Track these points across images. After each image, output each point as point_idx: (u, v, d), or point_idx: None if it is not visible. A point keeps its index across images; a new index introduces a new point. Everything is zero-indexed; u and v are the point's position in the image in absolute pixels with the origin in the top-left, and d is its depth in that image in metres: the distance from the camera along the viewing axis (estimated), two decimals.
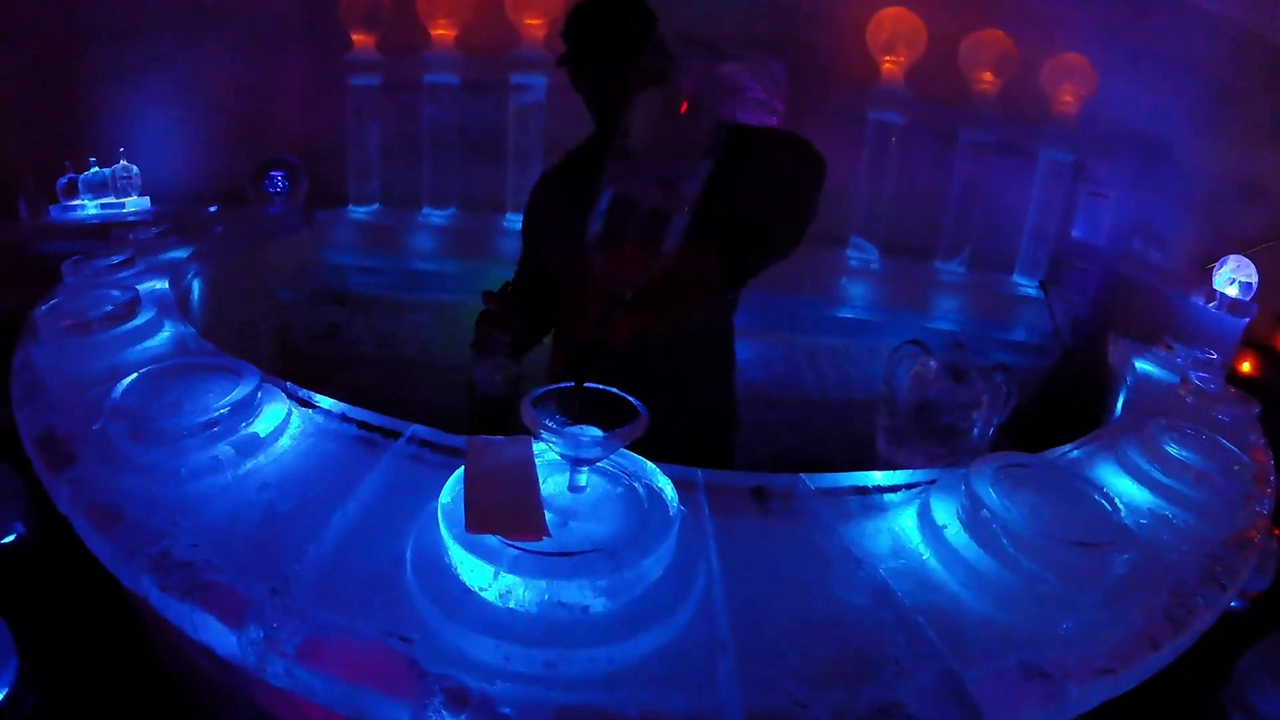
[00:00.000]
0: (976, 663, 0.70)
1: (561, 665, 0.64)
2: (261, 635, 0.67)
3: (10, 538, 1.38)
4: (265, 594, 0.70)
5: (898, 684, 0.67)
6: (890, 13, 3.24)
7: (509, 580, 0.67)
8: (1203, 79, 2.89)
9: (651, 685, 0.65)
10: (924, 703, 0.65)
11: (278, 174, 3.14)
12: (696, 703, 0.64)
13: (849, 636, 0.73)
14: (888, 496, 0.99)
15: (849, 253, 3.47)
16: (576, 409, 0.75)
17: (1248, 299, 2.68)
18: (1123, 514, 0.85)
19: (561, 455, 0.74)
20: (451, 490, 0.77)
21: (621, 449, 0.83)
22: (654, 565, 0.72)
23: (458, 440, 0.98)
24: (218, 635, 0.69)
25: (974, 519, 0.86)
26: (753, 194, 1.02)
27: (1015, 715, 0.65)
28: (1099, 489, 0.90)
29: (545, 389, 0.76)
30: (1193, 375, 1.50)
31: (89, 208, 2.81)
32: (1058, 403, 2.93)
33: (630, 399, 0.75)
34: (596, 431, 0.72)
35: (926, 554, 0.87)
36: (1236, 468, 1.06)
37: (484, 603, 0.68)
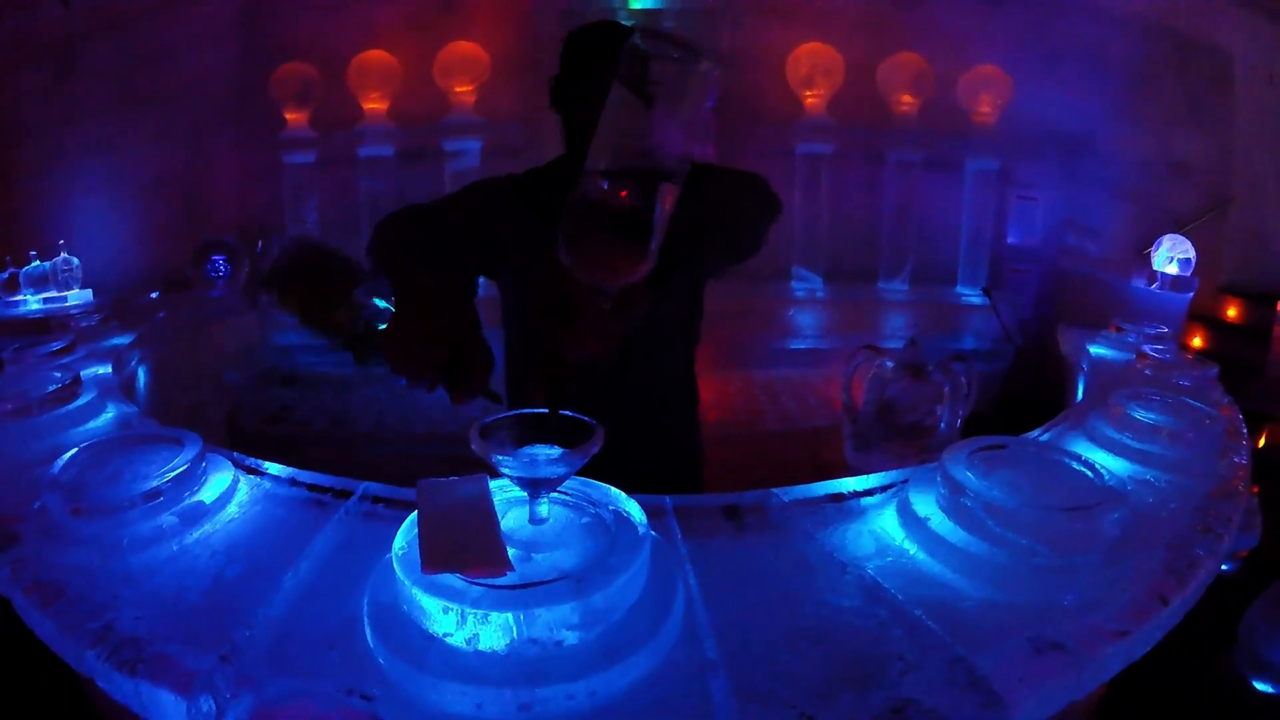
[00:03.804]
0: (984, 647, 0.66)
1: (538, 706, 0.59)
2: (212, 705, 0.61)
3: None
4: (215, 662, 0.64)
5: (907, 680, 0.63)
6: (807, 48, 3.36)
7: (474, 620, 0.61)
8: (1114, 70, 3.04)
9: (640, 717, 0.60)
10: (938, 695, 0.60)
11: (219, 257, 3.09)
12: None
13: (847, 639, 0.69)
14: (864, 500, 0.96)
15: (793, 284, 3.52)
16: (544, 432, 0.70)
17: (1188, 274, 2.76)
18: (1106, 477, 0.83)
19: (519, 481, 0.69)
20: (406, 536, 0.71)
21: (585, 480, 0.79)
22: (627, 588, 0.67)
23: (412, 494, 0.93)
24: (167, 709, 0.63)
25: (956, 505, 0.84)
26: (705, 228, 0.99)
27: (1034, 692, 0.61)
28: (1077, 458, 0.88)
29: (493, 418, 0.71)
30: (1147, 349, 1.52)
31: (31, 302, 2.77)
32: (1017, 404, 2.96)
33: (584, 418, 0.70)
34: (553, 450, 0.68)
35: (913, 549, 0.84)
36: (1208, 421, 1.06)
37: (449, 648, 0.62)
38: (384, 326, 0.83)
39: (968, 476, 0.84)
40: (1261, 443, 1.86)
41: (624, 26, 1.22)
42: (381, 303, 0.85)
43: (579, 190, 0.61)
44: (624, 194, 0.61)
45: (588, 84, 1.19)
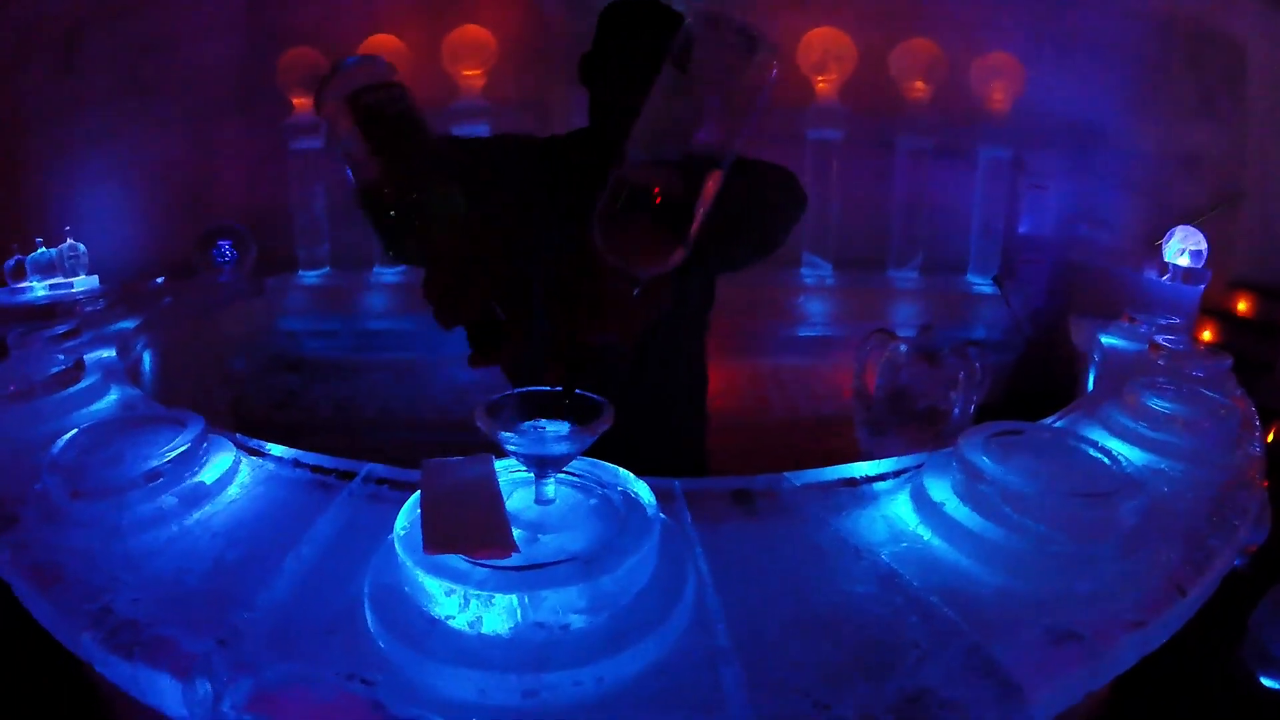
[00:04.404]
0: (1001, 635, 0.64)
1: (544, 692, 0.57)
2: (210, 690, 0.60)
3: None
4: (213, 646, 0.63)
5: (923, 668, 0.61)
6: (819, 33, 3.32)
7: (478, 603, 0.60)
8: (1126, 61, 3.00)
9: (649, 705, 0.58)
10: (954, 683, 0.59)
11: (225, 243, 3.09)
12: (704, 719, 0.57)
13: (861, 627, 0.67)
14: (877, 485, 0.95)
15: (803, 271, 3.49)
16: (552, 410, 0.69)
17: (1200, 266, 2.73)
18: (1124, 464, 0.81)
19: (525, 459, 0.68)
20: (408, 516, 0.70)
21: (593, 460, 0.77)
22: (636, 571, 0.65)
23: (417, 475, 0.92)
24: (164, 693, 0.62)
25: (972, 491, 0.82)
26: (736, 221, 0.97)
27: (1051, 682, 0.60)
28: (1094, 444, 0.86)
29: (498, 397, 0.69)
30: (1160, 339, 1.49)
31: (37, 289, 2.76)
32: (1028, 395, 2.94)
33: (592, 396, 0.69)
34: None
35: (928, 535, 0.82)
36: (1223, 411, 1.04)
37: (452, 632, 0.61)
38: (431, 234, 0.66)
39: (984, 461, 0.82)
40: (1271, 438, 1.83)
41: (664, 7, 1.20)
42: (440, 201, 0.67)
43: (620, 173, 0.59)
44: (668, 180, 0.59)
45: (620, 60, 1.17)
